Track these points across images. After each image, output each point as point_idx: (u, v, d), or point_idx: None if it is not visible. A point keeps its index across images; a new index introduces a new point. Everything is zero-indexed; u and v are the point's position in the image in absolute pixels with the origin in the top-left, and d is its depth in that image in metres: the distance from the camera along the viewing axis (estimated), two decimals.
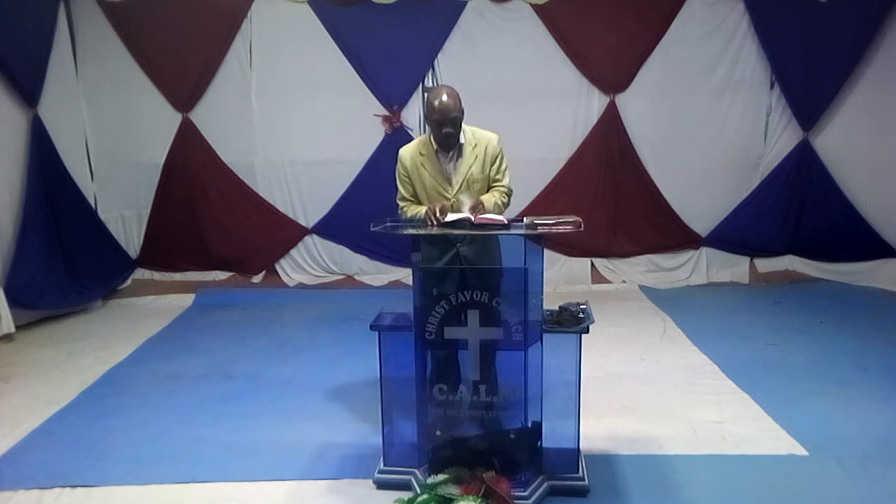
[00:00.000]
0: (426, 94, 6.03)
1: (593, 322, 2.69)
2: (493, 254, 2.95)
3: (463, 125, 2.95)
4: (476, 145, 2.98)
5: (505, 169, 3.06)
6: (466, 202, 2.82)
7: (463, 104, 2.90)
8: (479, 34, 5.85)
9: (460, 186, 2.97)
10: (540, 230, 2.62)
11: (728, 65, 5.92)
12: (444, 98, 2.83)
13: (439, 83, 5.92)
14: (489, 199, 2.96)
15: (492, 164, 3.00)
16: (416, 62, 5.91)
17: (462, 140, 2.96)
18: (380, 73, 5.88)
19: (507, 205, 3.04)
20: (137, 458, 3.07)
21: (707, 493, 2.72)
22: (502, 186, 3.04)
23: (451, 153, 2.97)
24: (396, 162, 3.07)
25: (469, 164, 2.97)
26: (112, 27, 5.78)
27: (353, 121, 5.97)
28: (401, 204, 3.09)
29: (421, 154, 3.00)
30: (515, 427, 2.67)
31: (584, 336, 2.65)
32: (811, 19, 5.70)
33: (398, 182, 3.09)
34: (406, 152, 3.04)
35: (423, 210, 2.91)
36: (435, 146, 2.97)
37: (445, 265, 2.86)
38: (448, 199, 2.94)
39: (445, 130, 2.86)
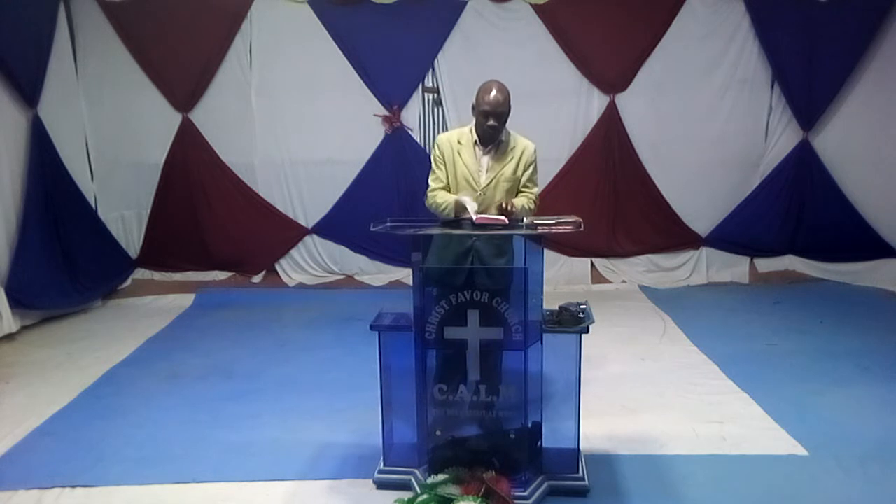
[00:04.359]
0: (430, 98, 6.04)
1: (593, 322, 2.69)
2: (507, 252, 2.94)
3: (507, 128, 3.00)
4: (514, 147, 3.02)
5: (536, 179, 3.12)
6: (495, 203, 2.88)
7: (511, 102, 2.92)
8: (479, 34, 5.85)
9: (490, 182, 2.99)
10: (540, 230, 2.63)
11: (728, 65, 5.93)
12: (495, 92, 2.87)
13: (439, 83, 5.94)
14: (519, 201, 2.98)
15: (524, 170, 3.04)
16: (416, 62, 5.91)
17: (502, 138, 2.99)
18: (380, 73, 5.88)
19: (533, 211, 3.07)
20: (137, 458, 3.06)
21: (707, 493, 2.72)
22: (531, 194, 3.08)
23: (488, 147, 3.00)
24: (430, 150, 3.11)
25: (503, 163, 3.00)
26: (112, 27, 5.78)
27: (353, 121, 5.97)
28: (432, 185, 3.10)
29: (459, 142, 3.04)
30: (515, 427, 2.67)
31: (584, 336, 2.65)
32: (811, 19, 5.71)
33: (433, 165, 3.11)
34: (444, 137, 3.09)
35: (451, 200, 2.94)
36: (475, 137, 3.00)
37: (457, 255, 2.89)
38: (476, 191, 2.98)
39: (490, 123, 2.89)
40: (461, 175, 3.02)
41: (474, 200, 2.85)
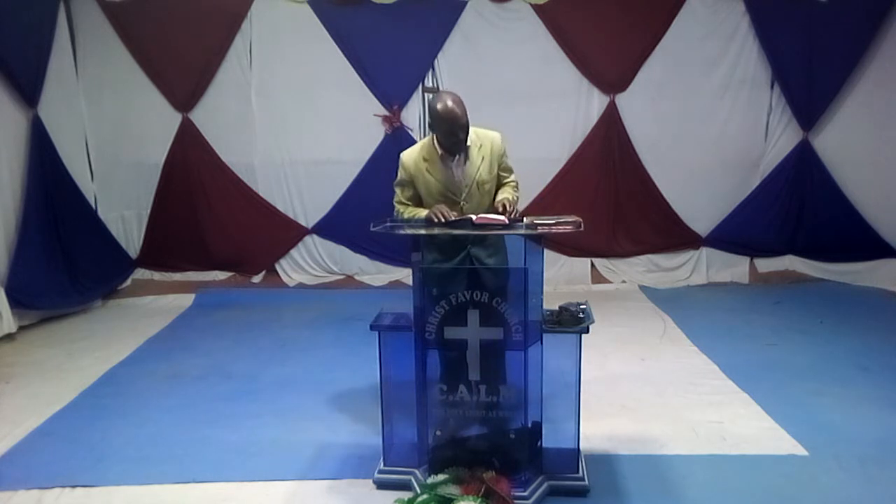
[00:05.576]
0: (427, 98, 6.03)
1: (593, 322, 2.69)
2: (504, 255, 2.93)
3: None
4: (481, 146, 2.95)
5: (510, 165, 3.08)
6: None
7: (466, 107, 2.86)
8: (479, 34, 5.85)
9: (469, 190, 2.93)
10: (540, 230, 2.63)
11: (728, 65, 5.92)
12: (450, 104, 2.76)
13: (439, 83, 5.93)
14: (508, 196, 2.94)
15: (498, 165, 3.00)
16: (416, 62, 5.91)
17: (468, 142, 2.93)
18: (380, 73, 5.88)
19: (518, 197, 3.05)
20: (137, 458, 3.07)
21: (707, 493, 2.72)
22: (512, 181, 3.05)
23: (457, 157, 2.91)
24: (398, 166, 3.04)
25: (477, 167, 2.93)
26: (112, 27, 5.78)
27: (353, 121, 5.97)
28: (397, 206, 3.05)
29: (425, 160, 2.93)
30: (515, 427, 2.67)
31: (584, 336, 2.65)
32: (811, 19, 5.70)
33: (397, 185, 3.04)
34: (409, 157, 2.98)
35: (422, 213, 2.89)
36: (440, 151, 2.90)
37: (455, 266, 2.85)
38: (458, 204, 2.91)
39: (455, 139, 2.83)
40: (437, 192, 2.92)
41: (457, 212, 2.80)
